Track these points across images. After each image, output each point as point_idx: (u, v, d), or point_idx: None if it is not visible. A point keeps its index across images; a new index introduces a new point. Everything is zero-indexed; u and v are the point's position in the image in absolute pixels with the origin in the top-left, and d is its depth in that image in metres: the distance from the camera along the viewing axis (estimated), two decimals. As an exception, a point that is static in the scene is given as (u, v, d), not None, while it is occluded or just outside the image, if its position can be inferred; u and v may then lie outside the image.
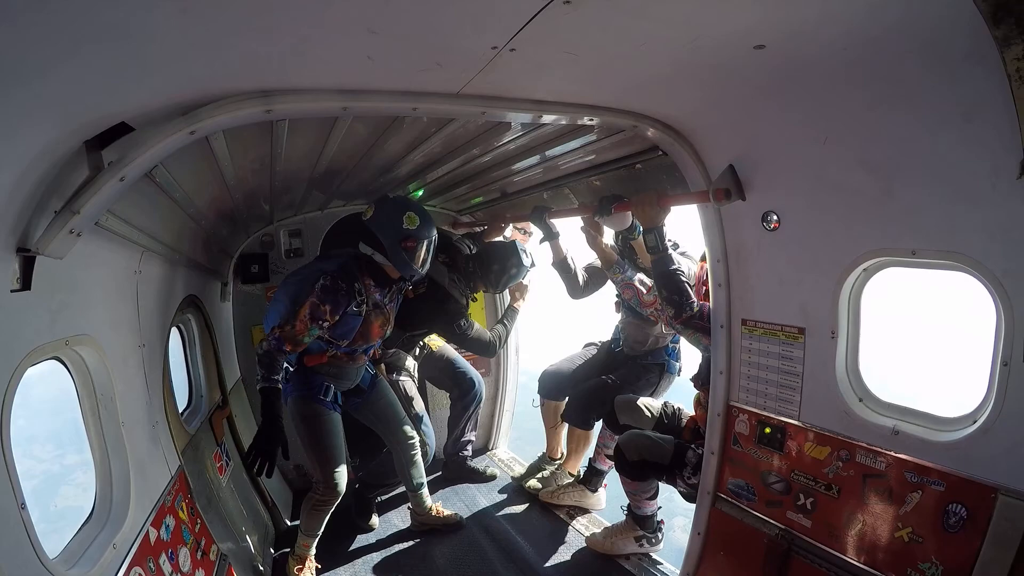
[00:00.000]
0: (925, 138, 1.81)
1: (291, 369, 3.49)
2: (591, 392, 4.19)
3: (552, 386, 4.67)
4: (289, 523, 4.40)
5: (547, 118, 2.37)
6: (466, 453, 5.14)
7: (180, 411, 3.26)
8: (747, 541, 2.73)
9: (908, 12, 1.50)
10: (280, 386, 3.12)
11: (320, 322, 3.14)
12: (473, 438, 5.16)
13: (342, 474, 3.53)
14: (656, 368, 4.17)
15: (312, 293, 3.11)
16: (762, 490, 2.70)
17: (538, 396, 4.81)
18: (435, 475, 5.11)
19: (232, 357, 4.77)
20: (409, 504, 4.29)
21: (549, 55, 1.73)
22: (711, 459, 2.96)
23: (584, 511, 4.42)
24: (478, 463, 5.33)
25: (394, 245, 3.22)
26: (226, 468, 3.81)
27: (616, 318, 4.44)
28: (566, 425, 4.60)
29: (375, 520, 4.42)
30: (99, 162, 1.74)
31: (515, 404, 5.98)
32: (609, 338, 4.55)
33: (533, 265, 4.39)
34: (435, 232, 3.39)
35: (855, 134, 2.00)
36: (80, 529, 2.14)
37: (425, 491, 4.19)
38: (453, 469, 5.14)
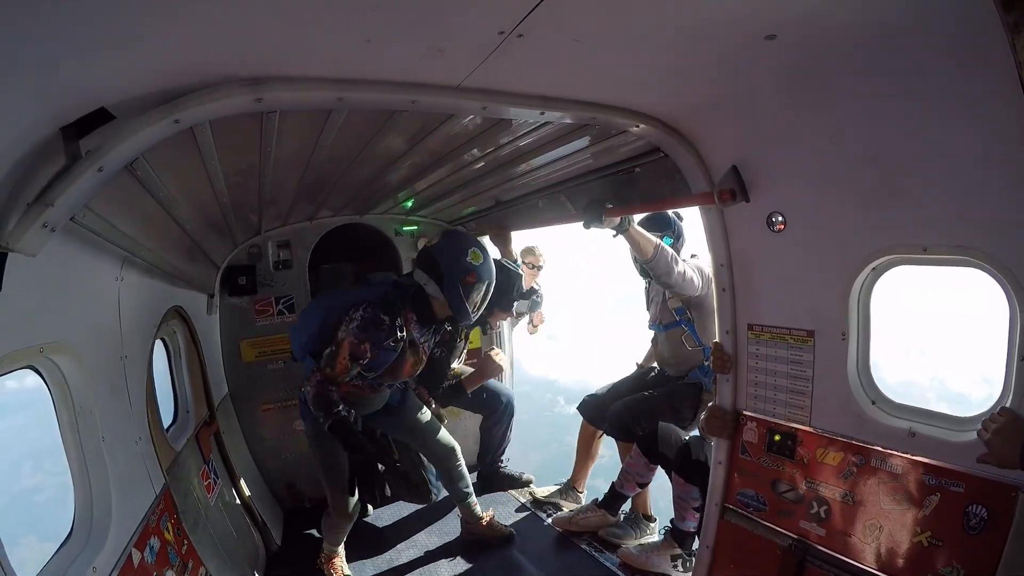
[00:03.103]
0: (934, 130, 1.78)
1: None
2: (633, 404, 4.05)
3: (592, 407, 4.45)
4: (280, 544, 4.29)
5: (549, 115, 2.30)
6: (502, 462, 5.09)
7: (165, 427, 3.16)
8: (759, 552, 2.65)
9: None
10: (346, 413, 3.04)
11: (360, 361, 3.05)
12: (507, 445, 5.11)
13: (353, 501, 3.48)
14: (695, 388, 3.98)
15: (350, 331, 3.02)
16: (773, 499, 2.63)
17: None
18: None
19: (219, 372, 4.65)
20: (459, 514, 4.22)
21: (557, 43, 1.68)
22: (718, 469, 2.89)
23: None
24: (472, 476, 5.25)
25: (453, 277, 3.10)
26: (214, 487, 3.69)
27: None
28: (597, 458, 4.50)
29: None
30: (76, 151, 1.62)
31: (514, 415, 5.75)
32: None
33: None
34: (494, 279, 3.25)
35: (863, 129, 1.96)
36: (58, 551, 2.04)
37: (473, 499, 4.10)
38: (487, 478, 5.06)
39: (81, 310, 2.24)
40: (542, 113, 2.27)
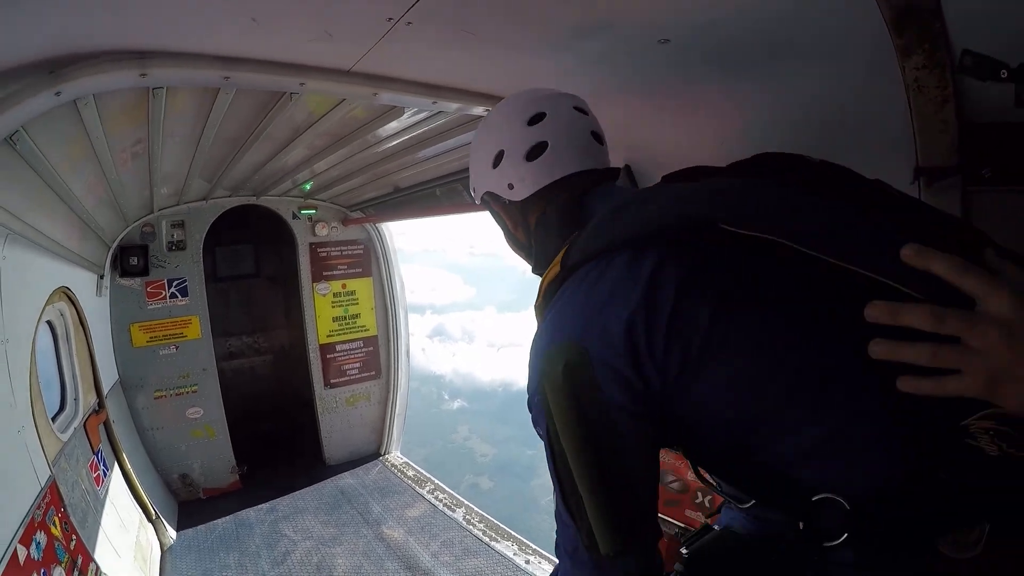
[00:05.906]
0: None
1: None
2: None
3: None
4: (175, 537, 4.07)
5: (442, 105, 2.23)
6: None
7: (51, 416, 2.95)
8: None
9: (808, 10, 1.48)
10: None
11: None
12: None
13: None
14: None
15: None
16: (661, 490, 2.70)
17: None
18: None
19: (109, 357, 4.31)
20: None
21: (447, 32, 1.61)
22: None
23: None
24: (370, 468, 5.30)
25: None
26: (104, 478, 3.45)
27: None
28: None
29: None
30: None
31: (407, 407, 5.83)
32: None
33: None
34: None
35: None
36: None
37: None
38: None
39: None
40: (434, 102, 2.21)
